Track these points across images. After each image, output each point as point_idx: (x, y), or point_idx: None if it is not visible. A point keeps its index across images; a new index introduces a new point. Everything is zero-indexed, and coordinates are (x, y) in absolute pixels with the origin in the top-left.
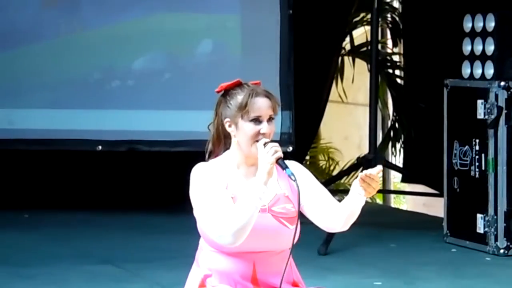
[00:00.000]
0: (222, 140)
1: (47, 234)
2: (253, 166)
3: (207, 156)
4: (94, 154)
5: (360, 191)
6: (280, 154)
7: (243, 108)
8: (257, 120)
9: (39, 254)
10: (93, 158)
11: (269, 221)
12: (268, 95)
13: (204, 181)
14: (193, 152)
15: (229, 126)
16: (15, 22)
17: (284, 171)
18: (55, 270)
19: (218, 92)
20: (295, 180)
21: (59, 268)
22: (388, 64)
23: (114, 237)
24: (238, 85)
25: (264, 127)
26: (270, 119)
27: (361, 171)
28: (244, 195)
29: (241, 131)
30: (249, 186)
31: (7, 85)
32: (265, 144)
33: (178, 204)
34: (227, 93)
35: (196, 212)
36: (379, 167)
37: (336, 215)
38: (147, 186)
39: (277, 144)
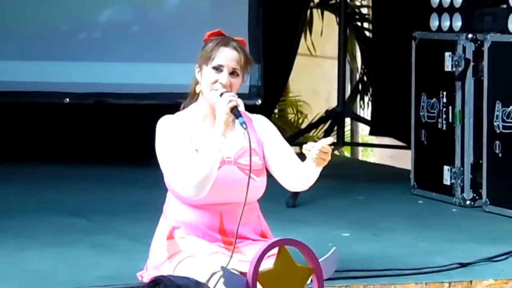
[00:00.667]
0: (195, 91)
1: (15, 187)
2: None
3: (181, 107)
4: (62, 107)
5: (312, 162)
6: (234, 103)
7: (208, 53)
8: (218, 69)
9: (8, 206)
10: (61, 110)
11: (235, 173)
12: (237, 49)
13: (169, 135)
14: (161, 105)
15: (197, 72)
16: None
17: (237, 120)
18: (24, 222)
19: (205, 41)
20: (246, 129)
21: (28, 220)
22: (357, 17)
23: (82, 190)
24: (219, 35)
25: (223, 77)
26: (233, 72)
27: (330, 124)
28: (203, 147)
29: (203, 78)
30: (208, 137)
31: None
32: (221, 94)
33: (146, 157)
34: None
35: (161, 166)
36: (330, 139)
37: (296, 175)
38: (115, 139)
39: (233, 94)
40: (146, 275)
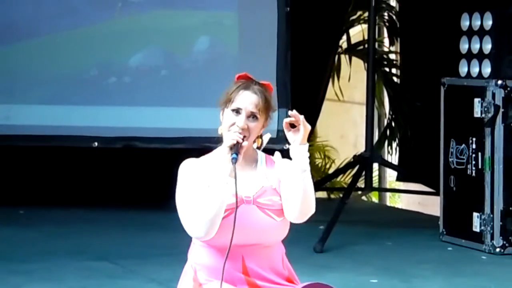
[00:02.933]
0: None
1: (43, 230)
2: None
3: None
4: (90, 151)
5: (293, 138)
6: (233, 141)
7: (228, 96)
8: (237, 111)
9: (35, 250)
10: (89, 154)
11: (255, 213)
12: (257, 92)
13: (186, 178)
14: (189, 149)
15: (221, 115)
16: (13, 17)
17: (232, 155)
18: (51, 265)
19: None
20: (234, 164)
21: (55, 264)
22: (385, 62)
23: (109, 234)
24: (246, 78)
25: (240, 120)
26: (252, 116)
27: (358, 169)
28: (211, 188)
29: (223, 120)
30: (214, 178)
31: (4, 81)
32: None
33: (174, 201)
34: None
35: (177, 208)
36: (293, 111)
37: (291, 202)
38: (142, 183)
39: (236, 134)
40: None
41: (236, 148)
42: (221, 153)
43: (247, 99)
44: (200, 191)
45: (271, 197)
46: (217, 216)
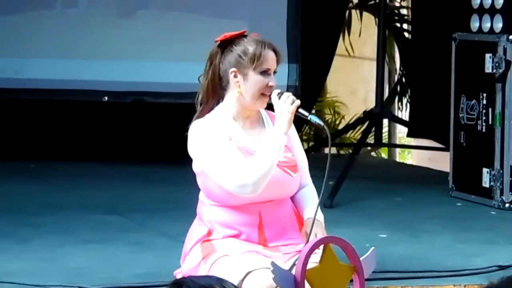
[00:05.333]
0: (217, 91)
1: (53, 184)
2: (248, 118)
3: (198, 107)
4: (100, 105)
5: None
6: (298, 102)
7: (257, 59)
8: (266, 73)
9: (45, 203)
10: (99, 108)
11: (274, 171)
12: (274, 48)
13: (208, 137)
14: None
15: (235, 76)
16: None
17: (309, 118)
18: (61, 219)
19: (220, 40)
20: (323, 126)
21: (65, 217)
22: (396, 18)
23: (120, 188)
24: (243, 35)
25: (272, 80)
26: (274, 72)
27: (368, 125)
28: (265, 145)
29: (249, 83)
30: (269, 135)
31: (14, 34)
32: (279, 94)
33: (184, 156)
34: (230, 42)
35: (203, 168)
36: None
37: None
38: (152, 137)
39: (291, 94)
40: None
41: (304, 111)
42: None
43: (273, 58)
44: (231, 148)
45: (286, 154)
46: (269, 173)
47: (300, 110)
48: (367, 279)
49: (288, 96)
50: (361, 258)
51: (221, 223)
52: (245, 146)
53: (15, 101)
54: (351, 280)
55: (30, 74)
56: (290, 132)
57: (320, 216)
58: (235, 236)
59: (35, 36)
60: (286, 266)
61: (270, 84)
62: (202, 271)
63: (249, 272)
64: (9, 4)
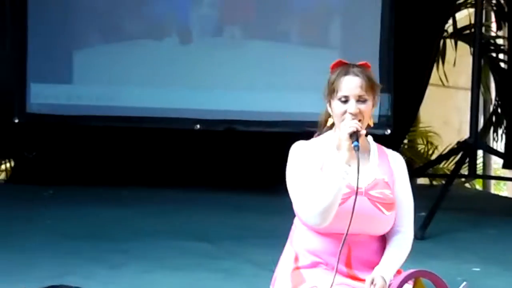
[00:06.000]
0: (327, 119)
1: (142, 210)
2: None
3: (315, 135)
4: (193, 133)
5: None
6: (353, 129)
7: (330, 86)
8: (345, 99)
9: (134, 229)
10: (191, 137)
11: (365, 205)
12: (358, 74)
13: (300, 160)
14: (288, 133)
15: (329, 106)
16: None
17: (353, 143)
18: (149, 245)
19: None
20: (357, 151)
21: (154, 243)
22: (492, 47)
23: (208, 215)
24: (341, 64)
25: (351, 106)
26: (361, 99)
27: (461, 156)
28: (328, 175)
29: (333, 111)
30: (333, 165)
31: (110, 63)
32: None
33: (274, 185)
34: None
35: (289, 191)
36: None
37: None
38: (243, 166)
39: (355, 121)
40: None
41: (356, 136)
42: (335, 139)
43: (351, 84)
44: (314, 175)
45: (382, 190)
46: (333, 204)
47: (354, 136)
48: None
49: (347, 124)
50: None
51: (308, 249)
52: None
53: (109, 128)
54: None
55: (123, 102)
56: (396, 168)
57: (388, 275)
58: (321, 264)
59: (129, 65)
60: None
61: (349, 110)
62: None
63: None
64: (107, 34)
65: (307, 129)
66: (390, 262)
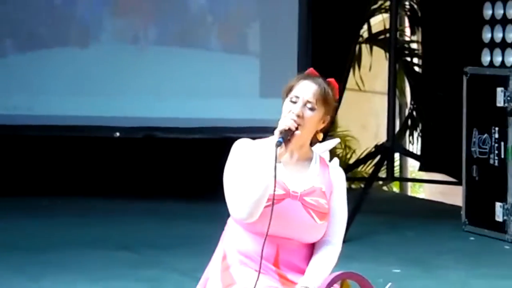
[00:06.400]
0: None
1: (63, 220)
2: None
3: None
4: (112, 141)
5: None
6: (283, 126)
7: (288, 86)
8: (294, 101)
9: (55, 240)
10: (110, 145)
11: (298, 210)
12: (318, 83)
13: (235, 158)
14: (209, 139)
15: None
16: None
17: (277, 139)
18: (71, 256)
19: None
20: (277, 147)
21: (76, 254)
22: (406, 52)
23: (131, 224)
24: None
25: (296, 107)
26: (309, 105)
27: (379, 159)
28: (257, 171)
29: (282, 110)
30: (262, 162)
31: (26, 72)
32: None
33: (195, 191)
34: None
35: (224, 185)
36: None
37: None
38: (164, 173)
39: (289, 120)
40: None
41: (286, 134)
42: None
43: (305, 88)
44: (248, 172)
45: (318, 199)
46: (260, 200)
47: (283, 134)
48: None
49: (282, 120)
50: None
51: (238, 249)
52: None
53: (27, 137)
54: None
55: (42, 111)
56: (335, 180)
57: (312, 285)
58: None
59: (46, 74)
60: None
61: (292, 110)
62: None
63: None
64: (21, 43)
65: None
66: (316, 273)
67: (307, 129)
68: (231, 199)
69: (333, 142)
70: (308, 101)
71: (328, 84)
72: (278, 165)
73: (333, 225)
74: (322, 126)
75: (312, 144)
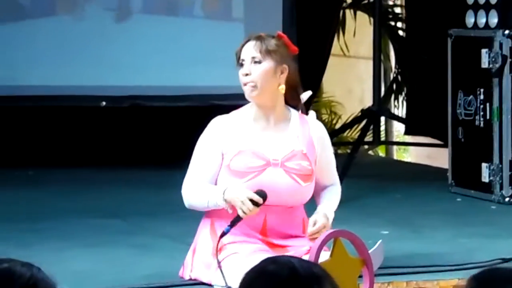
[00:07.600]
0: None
1: (51, 190)
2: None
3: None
4: (98, 110)
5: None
6: (240, 217)
7: (237, 57)
8: (241, 64)
9: (44, 209)
10: (96, 114)
11: (281, 176)
12: (259, 38)
13: (206, 140)
14: (194, 107)
15: None
16: None
17: (225, 228)
18: (60, 224)
19: None
20: (224, 234)
21: (65, 222)
22: (390, 16)
23: (119, 193)
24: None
25: (244, 69)
26: (254, 60)
27: (365, 123)
28: (213, 193)
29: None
30: (221, 191)
31: (10, 42)
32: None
33: (182, 159)
34: None
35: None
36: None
37: (316, 194)
38: (150, 141)
39: (242, 210)
40: (188, 271)
41: (235, 222)
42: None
43: (247, 48)
44: (210, 164)
45: (299, 162)
46: (204, 208)
47: (234, 221)
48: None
49: (242, 209)
50: (369, 251)
51: (224, 219)
52: (252, 149)
53: (12, 108)
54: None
55: (27, 81)
56: (316, 135)
57: (330, 213)
58: (238, 234)
59: (31, 44)
60: None
61: (242, 72)
62: (213, 267)
63: None
64: (4, 13)
65: (210, 103)
66: (329, 203)
67: (264, 84)
68: (185, 185)
69: (305, 95)
70: (252, 57)
71: (272, 37)
72: (257, 132)
73: (329, 171)
74: (281, 77)
75: (288, 103)
